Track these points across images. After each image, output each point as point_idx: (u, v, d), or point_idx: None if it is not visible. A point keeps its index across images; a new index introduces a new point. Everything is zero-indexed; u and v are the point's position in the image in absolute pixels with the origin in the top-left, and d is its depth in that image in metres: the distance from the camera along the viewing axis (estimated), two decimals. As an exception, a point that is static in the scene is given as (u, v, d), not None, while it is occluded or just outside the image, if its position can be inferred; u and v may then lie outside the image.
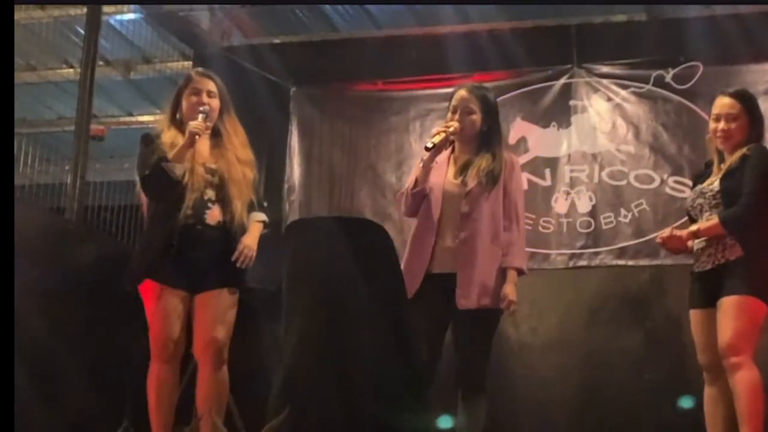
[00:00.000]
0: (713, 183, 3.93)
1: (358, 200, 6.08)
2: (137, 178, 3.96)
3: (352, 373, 3.99)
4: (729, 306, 3.77)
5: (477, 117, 4.03)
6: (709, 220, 3.89)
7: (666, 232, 4.02)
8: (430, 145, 3.97)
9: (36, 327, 4.52)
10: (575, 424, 5.30)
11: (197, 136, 3.78)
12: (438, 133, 3.99)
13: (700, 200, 3.96)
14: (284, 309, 3.96)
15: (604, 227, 5.65)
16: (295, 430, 3.49)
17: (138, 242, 3.95)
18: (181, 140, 3.83)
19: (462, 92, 4.12)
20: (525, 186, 5.39)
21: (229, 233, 3.89)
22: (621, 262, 5.59)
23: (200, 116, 3.84)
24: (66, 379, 4.59)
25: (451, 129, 4.01)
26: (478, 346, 3.94)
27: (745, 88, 4.22)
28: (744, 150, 3.89)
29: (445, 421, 4.06)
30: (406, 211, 4.15)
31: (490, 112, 4.08)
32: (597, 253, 5.62)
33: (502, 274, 3.90)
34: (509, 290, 3.89)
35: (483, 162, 4.01)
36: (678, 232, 3.95)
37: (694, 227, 3.90)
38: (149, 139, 3.91)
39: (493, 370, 4.01)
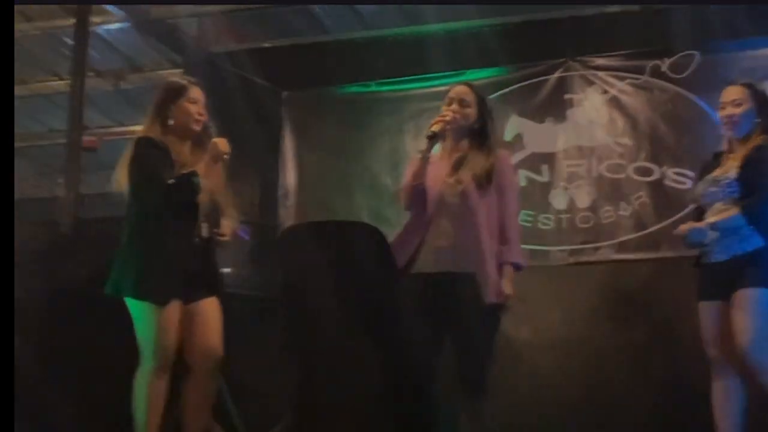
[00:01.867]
0: (729, 172, 3.93)
1: (355, 203, 6.13)
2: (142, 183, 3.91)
3: (353, 379, 4.06)
4: (747, 300, 3.76)
5: (472, 111, 4.13)
6: (723, 210, 3.88)
7: (685, 225, 4.02)
8: (430, 133, 4.05)
9: (31, 340, 4.61)
10: (580, 422, 5.30)
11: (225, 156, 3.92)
12: (436, 123, 4.08)
13: (714, 189, 3.95)
14: (280, 315, 4.08)
15: (603, 221, 5.65)
16: None
17: (151, 254, 3.91)
18: (185, 151, 3.94)
19: (460, 86, 4.26)
20: (520, 181, 5.47)
21: (215, 243, 4.00)
22: (622, 256, 5.58)
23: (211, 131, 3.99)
24: (59, 392, 4.67)
25: (447, 118, 4.09)
26: (482, 344, 4.00)
27: (752, 80, 4.24)
28: (759, 140, 3.92)
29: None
30: (407, 205, 4.22)
31: (485, 109, 4.19)
32: (598, 248, 5.62)
33: (500, 270, 3.97)
34: (506, 285, 3.95)
35: (476, 160, 4.08)
36: (697, 224, 3.95)
37: (713, 218, 3.90)
38: (153, 144, 3.89)
39: (494, 371, 4.03)
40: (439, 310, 4.00)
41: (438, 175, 4.12)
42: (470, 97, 4.22)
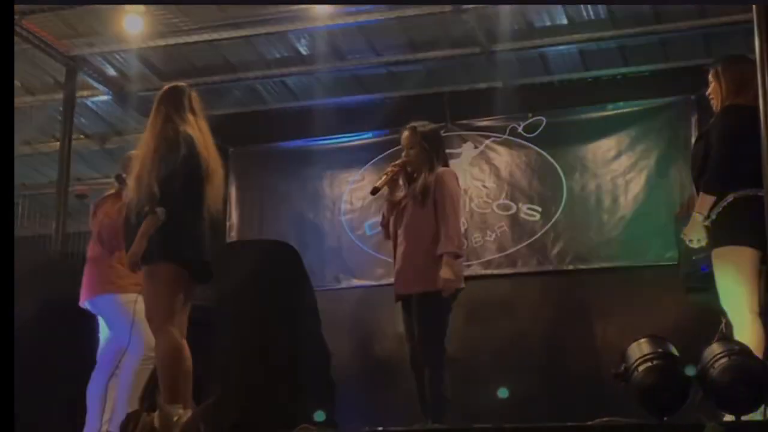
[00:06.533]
0: None
1: (282, 232, 7.16)
2: None
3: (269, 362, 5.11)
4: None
5: (414, 151, 4.96)
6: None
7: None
8: (372, 189, 5.01)
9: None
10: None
11: None
12: (381, 178, 4.96)
13: None
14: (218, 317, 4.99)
15: (474, 245, 6.88)
16: (223, 410, 4.29)
17: None
18: None
19: (405, 132, 5.03)
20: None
21: None
22: (487, 272, 6.81)
23: None
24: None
25: (389, 174, 4.95)
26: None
27: None
28: None
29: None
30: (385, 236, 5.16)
31: (427, 140, 4.98)
32: (469, 265, 6.71)
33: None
34: (444, 272, 4.69)
35: (418, 182, 4.89)
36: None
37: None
38: None
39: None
40: None
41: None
42: (413, 138, 4.94)
